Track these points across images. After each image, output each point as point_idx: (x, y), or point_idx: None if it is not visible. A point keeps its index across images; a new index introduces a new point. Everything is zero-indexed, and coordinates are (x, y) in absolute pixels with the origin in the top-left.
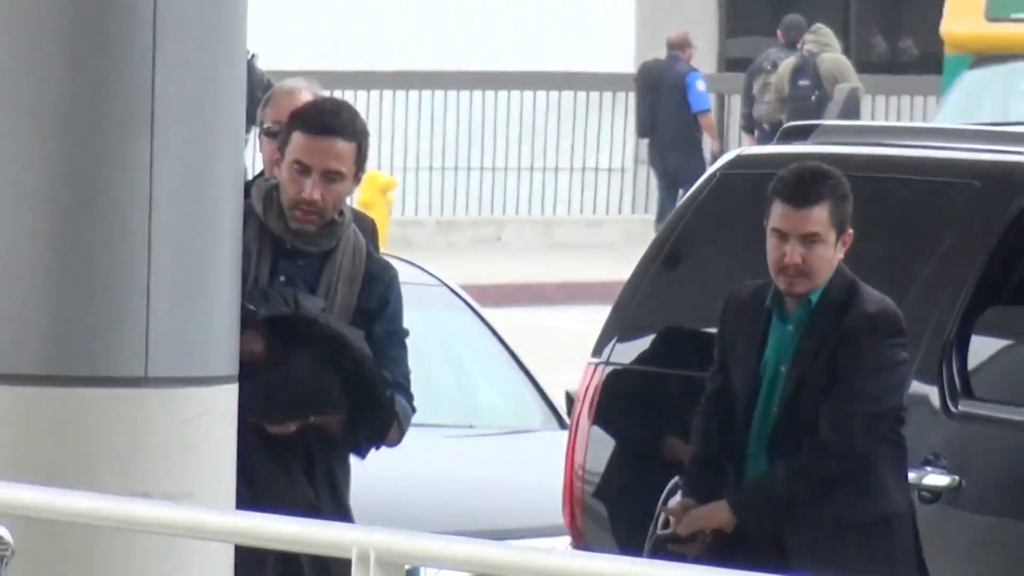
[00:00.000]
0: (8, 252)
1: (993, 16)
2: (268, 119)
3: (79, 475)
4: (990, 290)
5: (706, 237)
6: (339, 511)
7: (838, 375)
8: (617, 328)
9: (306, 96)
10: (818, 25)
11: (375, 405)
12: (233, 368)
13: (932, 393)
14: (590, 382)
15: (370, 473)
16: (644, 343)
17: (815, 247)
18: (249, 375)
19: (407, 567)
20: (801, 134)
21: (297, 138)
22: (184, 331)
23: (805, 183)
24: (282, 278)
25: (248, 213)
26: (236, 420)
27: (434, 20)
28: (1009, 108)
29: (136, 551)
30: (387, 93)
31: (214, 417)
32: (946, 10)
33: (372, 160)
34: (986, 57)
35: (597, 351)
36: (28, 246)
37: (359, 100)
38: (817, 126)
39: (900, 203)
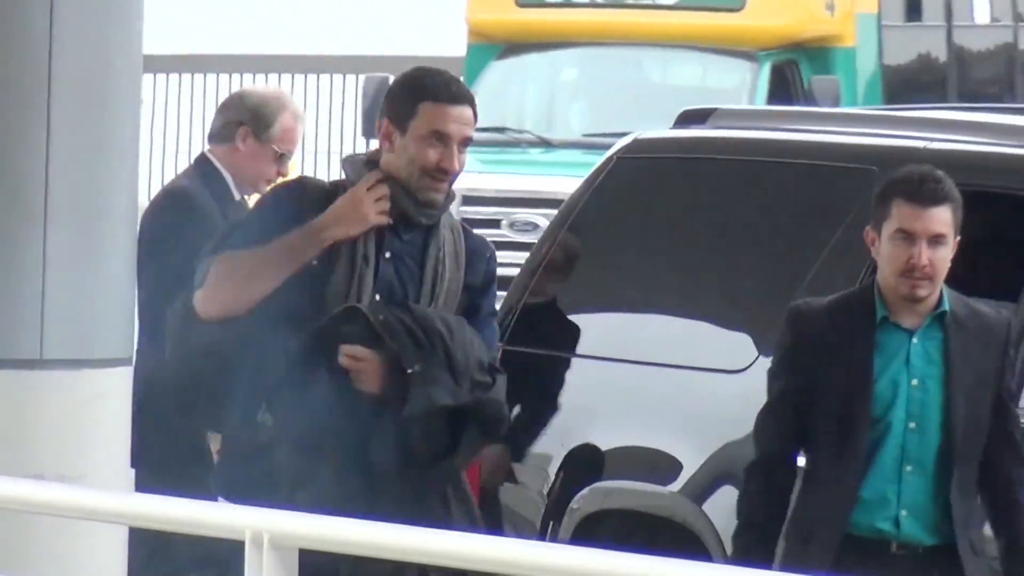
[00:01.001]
0: None
1: (525, 1)
2: (281, 143)
3: None
4: None
5: (602, 220)
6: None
7: (1005, 383)
8: (513, 310)
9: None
10: None
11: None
12: (128, 351)
13: None
14: None
15: None
16: (540, 325)
17: (940, 249)
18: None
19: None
20: (699, 118)
21: (429, 108)
22: (79, 313)
23: (930, 182)
24: (387, 254)
25: (341, 190)
26: (130, 402)
27: (272, 3)
28: (542, 99)
29: (29, 532)
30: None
31: (108, 399)
32: None
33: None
34: (516, 46)
35: None
36: None
37: (209, 84)
38: (715, 110)
39: (798, 187)
